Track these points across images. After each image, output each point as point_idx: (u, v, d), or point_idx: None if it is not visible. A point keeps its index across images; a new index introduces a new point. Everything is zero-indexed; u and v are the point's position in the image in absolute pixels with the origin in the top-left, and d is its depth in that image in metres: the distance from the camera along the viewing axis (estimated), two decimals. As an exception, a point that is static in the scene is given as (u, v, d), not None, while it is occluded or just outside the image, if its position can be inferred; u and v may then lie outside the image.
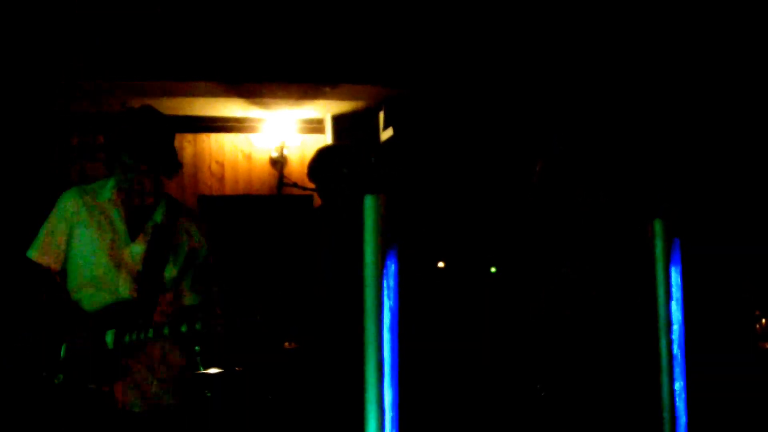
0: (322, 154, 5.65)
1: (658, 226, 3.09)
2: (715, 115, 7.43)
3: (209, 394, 6.17)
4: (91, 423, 3.85)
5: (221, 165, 10.17)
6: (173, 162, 3.98)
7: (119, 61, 8.35)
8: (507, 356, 6.87)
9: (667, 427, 2.99)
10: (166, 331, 3.84)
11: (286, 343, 3.75)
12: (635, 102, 7.61)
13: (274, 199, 10.00)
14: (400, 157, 8.77)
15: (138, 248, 3.97)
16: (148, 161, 3.83)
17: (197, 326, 3.80)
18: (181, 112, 9.36)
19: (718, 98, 7.45)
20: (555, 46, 7.98)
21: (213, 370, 6.32)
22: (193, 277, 4.09)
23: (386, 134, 9.52)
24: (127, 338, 3.85)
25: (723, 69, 7.41)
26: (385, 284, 2.29)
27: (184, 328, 3.82)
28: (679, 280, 3.10)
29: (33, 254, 4.04)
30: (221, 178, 10.17)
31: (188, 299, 4.09)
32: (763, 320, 7.05)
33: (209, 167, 10.14)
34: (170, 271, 4.02)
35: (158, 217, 4.01)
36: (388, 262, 2.31)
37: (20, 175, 8.44)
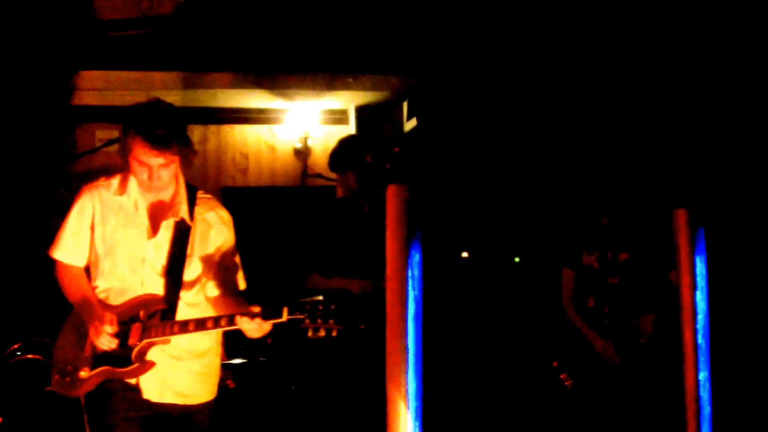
0: (345, 144, 5.65)
1: (682, 215, 3.08)
2: (740, 107, 7.39)
3: (233, 386, 6.19)
4: (119, 415, 3.87)
5: (245, 156, 10.17)
6: (188, 150, 3.97)
7: (142, 52, 8.37)
8: (527, 347, 6.87)
9: (692, 417, 2.99)
10: (191, 327, 3.85)
11: (309, 333, 3.74)
12: (665, 92, 7.58)
13: (298, 191, 10.01)
14: (423, 147, 8.76)
15: (161, 242, 3.97)
16: (165, 152, 3.82)
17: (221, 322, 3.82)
18: (204, 104, 9.37)
19: (742, 91, 7.41)
20: (577, 37, 7.95)
21: (237, 361, 6.33)
22: (218, 270, 4.09)
23: (410, 125, 9.51)
24: (153, 333, 3.86)
25: (749, 63, 7.37)
26: (409, 274, 2.30)
27: (210, 324, 3.83)
28: (704, 269, 3.09)
29: (58, 254, 4.05)
30: (245, 170, 10.17)
31: (212, 291, 4.09)
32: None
33: (233, 159, 10.14)
34: (196, 265, 4.02)
35: (179, 209, 4.01)
36: (413, 252, 2.31)
37: (25, 168, 8.46)
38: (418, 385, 2.28)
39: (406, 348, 2.26)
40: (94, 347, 3.88)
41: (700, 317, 3.06)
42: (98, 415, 3.88)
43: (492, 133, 8.44)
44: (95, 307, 3.89)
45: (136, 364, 3.84)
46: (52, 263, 4.08)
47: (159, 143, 3.79)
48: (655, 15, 7.64)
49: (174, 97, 8.21)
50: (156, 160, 3.82)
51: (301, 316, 3.73)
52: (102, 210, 3.99)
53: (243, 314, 3.75)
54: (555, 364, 5.79)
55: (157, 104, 3.94)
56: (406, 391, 2.25)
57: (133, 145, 3.82)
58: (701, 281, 3.08)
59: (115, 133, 4.03)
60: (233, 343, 5.97)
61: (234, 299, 4.04)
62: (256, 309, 3.74)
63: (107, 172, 4.13)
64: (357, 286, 5.22)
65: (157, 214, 4.00)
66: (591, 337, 5.71)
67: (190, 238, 4.00)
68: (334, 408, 5.33)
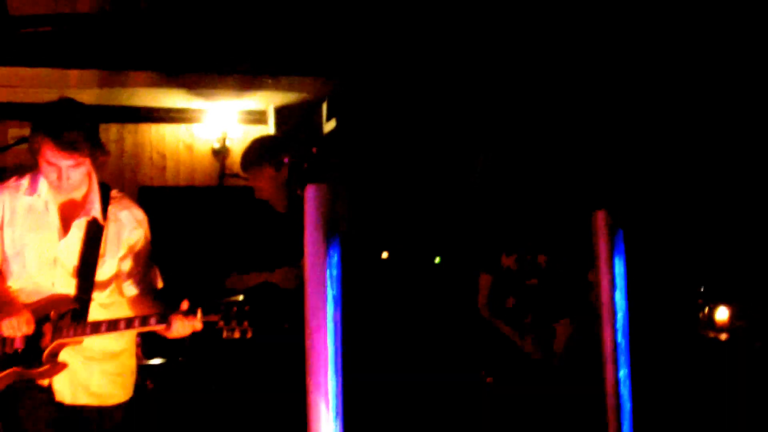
0: (256, 144, 5.66)
1: (602, 217, 3.11)
2: (660, 108, 7.50)
3: (151, 386, 6.13)
4: (31, 417, 3.81)
5: (162, 156, 10.08)
6: (99, 150, 3.90)
7: (57, 50, 8.26)
8: (453, 343, 6.91)
9: (612, 414, 3.02)
10: (104, 328, 3.80)
11: (227, 332, 3.72)
12: (583, 95, 7.66)
13: (217, 190, 9.95)
14: (342, 148, 8.75)
15: (73, 242, 3.92)
16: (73, 151, 3.75)
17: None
18: (121, 102, 9.27)
19: (661, 91, 7.52)
20: (495, 38, 8.01)
21: (156, 361, 6.27)
22: (133, 269, 4.04)
23: (329, 126, 9.50)
24: (64, 333, 3.80)
25: (662, 58, 7.48)
26: (328, 273, 2.29)
27: (122, 325, 3.79)
28: (623, 269, 3.13)
29: None
30: (162, 169, 10.08)
31: (128, 291, 4.04)
32: (706, 309, 7.13)
33: (150, 158, 10.05)
34: (109, 265, 3.97)
35: (91, 209, 3.95)
36: (331, 252, 2.30)
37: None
38: (339, 384, 2.27)
39: (325, 348, 2.26)
40: (2, 347, 3.81)
41: (620, 316, 3.10)
42: (9, 418, 3.82)
43: (412, 135, 8.47)
44: (10, 304, 3.82)
45: (47, 366, 3.79)
46: None
47: (67, 145, 3.72)
48: (566, 13, 7.72)
49: (90, 95, 8.16)
50: (65, 161, 3.76)
51: (215, 318, 3.71)
52: (11, 211, 3.93)
53: (159, 315, 3.72)
54: (483, 373, 5.83)
55: (66, 104, 3.87)
56: (326, 390, 2.24)
57: (42, 145, 3.75)
58: (620, 281, 3.12)
59: (27, 132, 3.95)
60: (152, 343, 5.91)
61: (151, 300, 4.00)
62: (185, 305, 3.72)
63: (19, 171, 4.06)
64: (278, 276, 5.21)
65: (68, 214, 3.94)
66: (511, 335, 5.75)
67: (103, 238, 3.94)
68: (256, 408, 5.30)
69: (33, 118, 3.85)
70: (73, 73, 8.52)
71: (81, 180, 3.90)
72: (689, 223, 7.33)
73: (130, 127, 9.83)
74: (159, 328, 3.74)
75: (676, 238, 7.22)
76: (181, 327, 3.73)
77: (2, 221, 3.93)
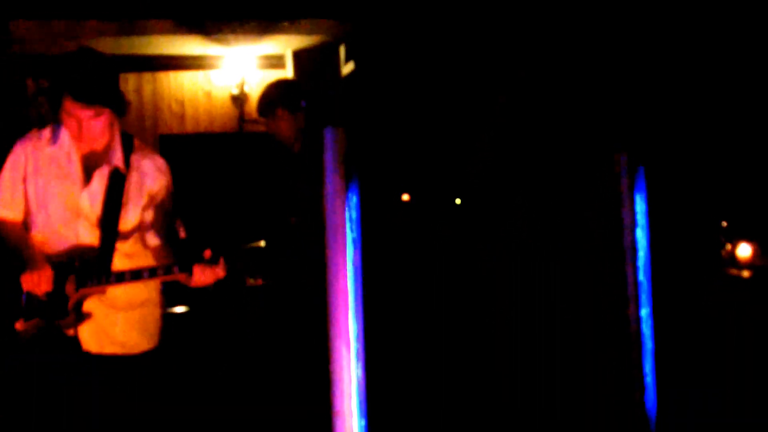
0: (273, 89, 5.67)
1: (624, 155, 3.09)
2: (678, 48, 7.42)
3: (173, 334, 6.16)
4: (58, 366, 3.83)
5: (181, 104, 10.08)
6: (119, 101, 3.89)
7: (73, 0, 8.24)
8: (468, 290, 6.91)
9: (634, 352, 3.01)
10: (127, 277, 3.81)
11: (250, 280, 3.73)
12: (601, 34, 7.60)
13: (236, 137, 9.95)
14: (361, 91, 8.72)
15: (95, 192, 3.91)
16: (93, 103, 3.74)
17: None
18: (138, 51, 9.24)
19: (680, 33, 7.45)
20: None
21: (179, 309, 6.31)
22: (156, 219, 4.04)
23: (347, 69, 9.46)
24: (88, 284, 3.81)
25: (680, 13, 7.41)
26: (347, 216, 2.28)
27: (146, 274, 3.80)
28: (644, 207, 3.11)
29: None
30: (182, 117, 10.08)
31: (151, 240, 4.05)
32: (729, 246, 7.10)
33: (169, 106, 10.04)
34: (132, 214, 3.97)
35: (114, 158, 3.95)
36: (350, 195, 2.29)
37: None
38: (360, 327, 2.27)
39: (346, 291, 2.25)
40: (28, 298, 3.83)
41: (641, 254, 3.08)
42: (36, 368, 3.84)
43: (430, 77, 8.42)
44: (33, 258, 3.84)
45: (72, 315, 3.80)
46: None
47: (86, 96, 3.71)
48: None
49: (107, 45, 8.14)
50: (85, 113, 3.74)
51: (239, 266, 3.73)
52: (34, 162, 3.92)
53: (182, 264, 3.72)
54: None
55: (85, 54, 3.85)
56: (348, 334, 2.24)
57: (62, 97, 3.74)
58: (642, 219, 3.10)
59: (46, 84, 3.93)
60: (175, 292, 5.94)
61: (174, 249, 4.00)
62: (207, 254, 3.72)
63: (41, 123, 4.06)
64: None
65: (90, 163, 3.93)
66: None
67: (126, 187, 3.94)
68: (278, 355, 5.33)
69: (52, 70, 3.83)
70: (90, 24, 8.50)
71: (102, 130, 3.88)
72: (711, 160, 7.28)
73: (148, 76, 9.82)
74: (182, 277, 3.75)
75: (698, 174, 7.18)
76: (204, 276, 3.73)
77: (25, 173, 3.93)
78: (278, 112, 5.51)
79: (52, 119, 3.97)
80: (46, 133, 3.96)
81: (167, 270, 3.77)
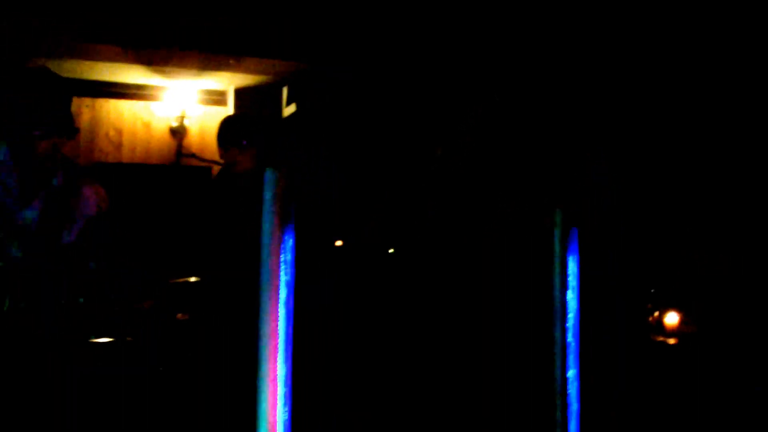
0: (229, 122, 5.70)
1: (557, 216, 3.11)
2: (618, 99, 7.52)
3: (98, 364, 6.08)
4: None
5: (119, 132, 10.01)
6: (69, 126, 3.88)
7: (22, 16, 8.16)
8: (400, 335, 6.90)
9: (558, 412, 3.02)
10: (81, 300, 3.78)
11: (179, 315, 3.70)
12: (539, 89, 7.67)
13: (173, 169, 9.90)
14: (301, 133, 8.73)
15: (32, 212, 3.88)
16: (44, 125, 3.72)
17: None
18: (81, 75, 9.19)
19: (617, 85, 7.54)
20: (459, 24, 8.00)
21: (103, 340, 6.21)
22: (93, 243, 4.01)
23: (289, 110, 9.47)
24: (7, 304, 3.76)
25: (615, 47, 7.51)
26: (282, 258, 2.27)
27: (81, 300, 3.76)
28: (576, 269, 3.12)
29: None
30: (119, 146, 10.01)
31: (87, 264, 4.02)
32: (656, 313, 7.17)
33: (107, 134, 9.97)
34: (65, 236, 3.94)
35: (54, 180, 3.92)
36: (286, 237, 2.28)
37: None
38: (288, 371, 2.25)
39: (276, 333, 2.24)
40: None
41: (571, 315, 3.10)
42: None
43: (372, 120, 8.45)
44: None
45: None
46: None
47: (39, 115, 3.70)
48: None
49: (49, 66, 8.05)
50: (33, 132, 3.73)
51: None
52: None
53: None
54: None
55: (42, 73, 3.86)
56: (276, 376, 2.22)
57: (11, 114, 3.72)
58: (573, 281, 3.12)
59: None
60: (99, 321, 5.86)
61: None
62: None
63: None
64: None
65: (31, 184, 3.90)
66: None
67: (63, 210, 3.92)
68: (204, 391, 5.28)
69: (3, 86, 3.80)
70: (37, 42, 8.43)
71: (46, 151, 3.86)
72: (642, 226, 7.36)
73: (88, 101, 9.75)
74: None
75: (629, 239, 7.25)
76: None
77: None
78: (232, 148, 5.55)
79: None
80: None
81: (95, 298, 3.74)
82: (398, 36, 8.21)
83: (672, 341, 6.96)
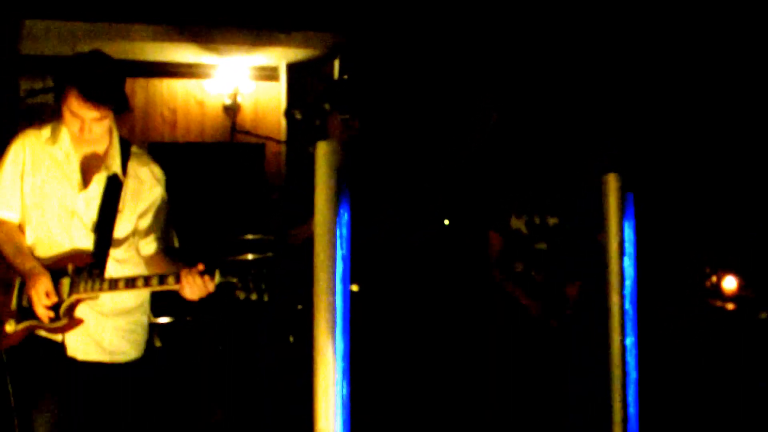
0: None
1: (612, 180, 3.07)
2: (671, 69, 7.43)
3: (159, 344, 6.13)
4: (42, 371, 3.80)
5: (173, 111, 10.06)
6: (124, 106, 3.90)
7: (68, 3, 8.22)
8: (458, 309, 6.88)
9: (617, 382, 2.99)
10: (121, 285, 3.78)
11: (239, 293, 3.70)
12: (597, 56, 7.60)
13: (227, 147, 9.93)
14: (354, 105, 8.71)
15: (92, 196, 3.89)
16: (102, 104, 3.74)
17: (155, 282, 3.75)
18: (132, 57, 9.22)
19: (672, 52, 7.45)
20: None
21: (163, 320, 6.27)
22: (150, 227, 4.02)
23: (341, 83, 9.45)
24: (81, 289, 3.78)
25: (676, 24, 7.41)
26: (337, 233, 2.26)
27: (140, 283, 3.77)
28: (632, 235, 3.09)
29: None
30: (173, 125, 10.06)
31: (145, 249, 4.02)
32: (714, 277, 7.10)
33: (161, 114, 10.02)
34: (127, 221, 3.95)
35: (112, 164, 3.93)
36: (341, 211, 2.27)
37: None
38: (346, 345, 2.25)
39: (333, 308, 2.23)
40: (20, 300, 3.81)
41: (628, 283, 3.06)
42: (20, 372, 3.81)
43: (424, 92, 8.42)
44: (34, 263, 3.81)
45: (65, 320, 3.77)
46: None
47: (94, 97, 3.71)
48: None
49: (101, 48, 8.11)
50: (90, 113, 3.74)
51: (233, 279, 3.70)
52: (33, 158, 3.90)
53: (183, 271, 3.68)
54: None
55: (97, 56, 3.87)
56: (334, 351, 2.22)
57: (69, 96, 3.73)
58: (629, 247, 3.08)
59: (39, 84, 3.92)
60: (160, 301, 5.92)
61: (167, 258, 3.98)
62: (201, 267, 3.69)
63: (41, 120, 4.04)
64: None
65: (88, 167, 3.91)
66: (521, 298, 5.72)
67: (122, 194, 3.93)
68: (262, 368, 5.31)
69: (61, 68, 3.83)
70: (84, 26, 8.48)
71: (103, 133, 3.88)
72: (700, 191, 7.28)
73: (141, 81, 9.80)
74: (176, 287, 3.72)
75: (687, 205, 7.18)
76: (198, 288, 3.70)
77: (23, 168, 3.90)
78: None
79: (51, 119, 3.96)
80: (46, 131, 3.94)
81: (162, 280, 3.74)
82: (446, 11, 8.17)
83: (730, 306, 6.88)
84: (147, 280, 3.78)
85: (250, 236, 6.81)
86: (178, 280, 3.70)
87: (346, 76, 9.18)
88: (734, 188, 7.34)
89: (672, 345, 6.21)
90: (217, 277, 3.68)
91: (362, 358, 2.71)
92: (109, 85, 3.77)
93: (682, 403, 5.81)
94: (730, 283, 6.98)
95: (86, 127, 3.78)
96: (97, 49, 3.93)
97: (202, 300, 3.80)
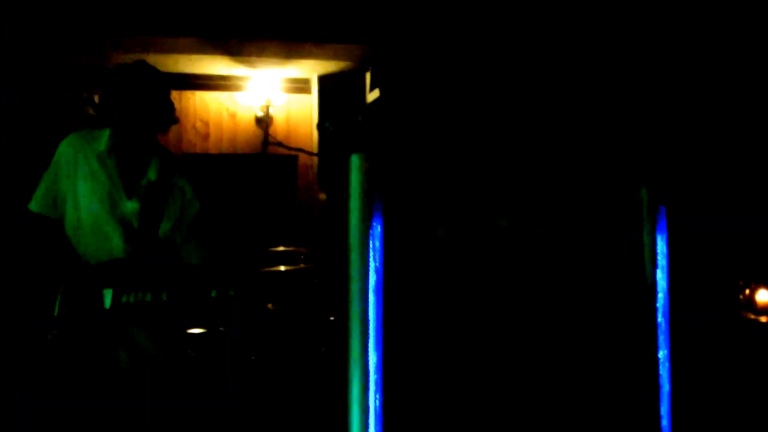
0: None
1: (644, 194, 3.07)
2: (704, 82, 7.40)
3: (192, 354, 6.15)
4: (79, 378, 3.83)
5: (206, 123, 10.11)
6: (169, 117, 3.97)
7: (100, 16, 8.28)
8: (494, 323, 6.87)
9: (649, 394, 2.99)
10: (164, 296, 3.81)
11: (269, 305, 3.72)
12: (624, 65, 7.58)
13: (259, 158, 9.97)
14: (386, 118, 8.73)
15: (134, 204, 3.93)
16: (143, 118, 3.80)
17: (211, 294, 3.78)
18: (165, 69, 9.21)
19: (705, 64, 7.43)
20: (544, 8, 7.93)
21: (196, 330, 6.28)
22: (186, 236, 4.06)
23: (373, 95, 9.47)
24: (124, 299, 3.81)
25: (710, 30, 7.38)
26: (370, 245, 2.27)
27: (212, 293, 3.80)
28: (665, 248, 3.08)
29: (35, 206, 3.99)
30: (206, 137, 10.11)
31: (186, 256, 4.06)
32: (747, 290, 7.06)
33: (194, 125, 10.08)
34: (164, 229, 3.99)
35: (152, 173, 3.97)
36: (374, 223, 2.28)
37: (15, 127, 8.37)
38: (379, 358, 2.25)
39: (367, 320, 2.24)
40: (63, 308, 3.84)
41: (660, 295, 3.06)
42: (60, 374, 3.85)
43: (457, 102, 8.42)
44: (76, 270, 3.85)
45: (108, 331, 3.82)
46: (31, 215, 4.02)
47: (137, 108, 3.78)
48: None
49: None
50: (132, 124, 3.79)
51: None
52: (79, 162, 3.95)
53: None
54: None
55: (144, 66, 3.94)
56: (367, 363, 2.22)
57: (111, 108, 3.79)
58: (662, 260, 3.07)
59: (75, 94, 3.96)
60: (193, 312, 5.94)
61: (203, 267, 4.03)
62: None
63: (90, 125, 4.10)
64: None
65: (131, 176, 3.96)
66: None
67: (163, 203, 3.97)
68: (295, 377, 5.32)
69: (111, 80, 3.87)
70: (118, 39, 8.54)
71: (145, 144, 3.93)
72: (733, 203, 7.25)
73: (174, 94, 9.81)
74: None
75: (720, 217, 7.14)
76: None
77: (69, 171, 3.95)
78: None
79: (97, 126, 4.01)
80: (92, 136, 3.99)
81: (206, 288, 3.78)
82: (483, 17, 8.17)
83: (764, 319, 6.84)
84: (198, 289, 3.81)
85: (281, 248, 6.86)
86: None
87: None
88: (764, 201, 7.30)
89: (705, 358, 6.17)
90: None
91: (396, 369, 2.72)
92: (158, 96, 3.84)
93: (715, 416, 5.77)
94: (763, 296, 6.94)
95: (135, 137, 3.83)
96: (142, 60, 3.99)
97: (234, 311, 3.82)
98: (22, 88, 8.54)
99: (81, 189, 3.92)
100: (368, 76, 9.45)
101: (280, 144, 8.50)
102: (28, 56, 8.43)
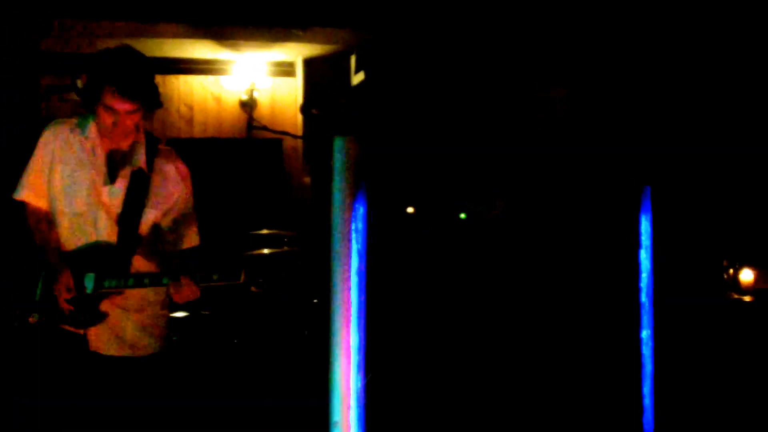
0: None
1: (628, 174, 3.08)
2: (697, 67, 7.42)
3: (175, 338, 6.15)
4: (63, 365, 3.83)
5: (190, 107, 10.08)
6: (156, 100, 3.96)
7: (86, 1, 8.26)
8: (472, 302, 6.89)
9: (632, 374, 3.00)
10: (146, 281, 3.80)
11: (253, 287, 3.71)
12: (616, 51, 7.60)
13: (244, 142, 9.95)
14: (371, 101, 8.72)
15: (117, 190, 3.92)
16: (135, 98, 3.78)
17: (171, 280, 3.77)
18: (149, 54, 9.20)
19: (687, 50, 7.44)
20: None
21: (180, 314, 6.29)
22: (173, 223, 4.04)
23: (357, 78, 9.46)
24: (106, 284, 3.80)
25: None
26: (353, 227, 2.27)
27: (165, 281, 3.78)
28: (649, 227, 3.09)
29: (20, 194, 3.99)
30: (190, 121, 10.08)
31: (168, 245, 4.05)
32: (731, 270, 7.10)
33: (178, 110, 10.05)
34: (152, 217, 3.98)
35: (138, 159, 3.96)
36: (357, 205, 2.28)
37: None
38: (362, 339, 2.26)
39: (349, 302, 2.24)
40: (44, 292, 3.83)
41: (644, 275, 3.06)
42: (43, 366, 3.84)
43: (440, 86, 8.42)
44: (58, 258, 3.85)
45: (88, 315, 3.80)
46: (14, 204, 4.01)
47: (130, 92, 3.76)
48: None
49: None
50: (124, 107, 3.78)
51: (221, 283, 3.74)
52: (62, 149, 3.93)
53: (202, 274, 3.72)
54: None
55: (128, 51, 3.92)
56: (349, 345, 2.23)
57: (102, 91, 3.77)
58: (646, 240, 3.08)
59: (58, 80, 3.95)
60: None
61: (188, 256, 4.02)
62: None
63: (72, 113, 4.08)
64: None
65: (115, 161, 3.95)
66: None
67: (148, 189, 3.95)
68: (276, 361, 5.32)
69: (94, 64, 3.86)
70: (104, 24, 8.51)
71: (132, 128, 3.91)
72: (718, 184, 7.27)
73: (158, 78, 9.75)
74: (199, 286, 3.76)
75: (705, 198, 7.17)
76: (186, 292, 3.75)
77: (52, 158, 3.93)
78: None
79: (78, 112, 4.00)
80: (75, 123, 3.98)
81: (205, 278, 3.77)
82: (466, 7, 8.17)
83: (748, 298, 6.88)
84: (174, 277, 3.80)
85: (265, 231, 6.85)
86: (203, 280, 3.74)
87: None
88: (752, 181, 7.33)
89: (692, 337, 6.20)
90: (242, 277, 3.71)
91: (377, 350, 2.73)
92: (143, 80, 3.82)
93: (698, 396, 5.80)
94: (747, 276, 6.99)
95: (119, 121, 3.82)
96: (126, 44, 3.97)
97: (218, 294, 3.83)
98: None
99: (63, 175, 3.91)
100: (353, 59, 9.44)
101: (264, 128, 8.45)
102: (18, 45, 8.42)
